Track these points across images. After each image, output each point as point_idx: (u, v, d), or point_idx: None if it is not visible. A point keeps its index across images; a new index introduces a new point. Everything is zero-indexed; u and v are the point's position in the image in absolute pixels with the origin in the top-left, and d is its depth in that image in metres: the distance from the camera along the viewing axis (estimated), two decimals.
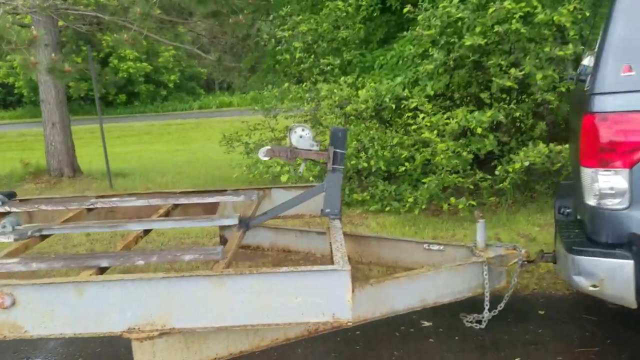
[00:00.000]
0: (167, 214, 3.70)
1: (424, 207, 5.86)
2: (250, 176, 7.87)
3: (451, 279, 3.10)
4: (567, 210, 3.31)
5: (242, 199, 3.73)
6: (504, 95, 5.83)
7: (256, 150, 7.93)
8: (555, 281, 3.97)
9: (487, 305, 3.20)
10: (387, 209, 6.21)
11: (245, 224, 3.26)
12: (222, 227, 4.24)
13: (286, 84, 7.63)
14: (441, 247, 3.49)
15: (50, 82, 9.59)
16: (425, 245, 3.54)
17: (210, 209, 3.98)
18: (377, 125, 6.68)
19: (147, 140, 19.45)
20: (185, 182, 9.37)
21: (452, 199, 5.65)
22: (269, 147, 3.28)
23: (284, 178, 6.36)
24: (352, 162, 6.22)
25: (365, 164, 6.20)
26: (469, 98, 6.37)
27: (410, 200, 5.83)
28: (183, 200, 3.79)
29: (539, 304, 3.64)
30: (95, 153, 11.16)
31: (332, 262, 2.54)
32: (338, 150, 3.22)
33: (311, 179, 6.27)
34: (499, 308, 3.28)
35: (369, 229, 5.85)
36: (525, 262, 3.29)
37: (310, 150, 3.24)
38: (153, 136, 20.45)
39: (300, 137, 3.24)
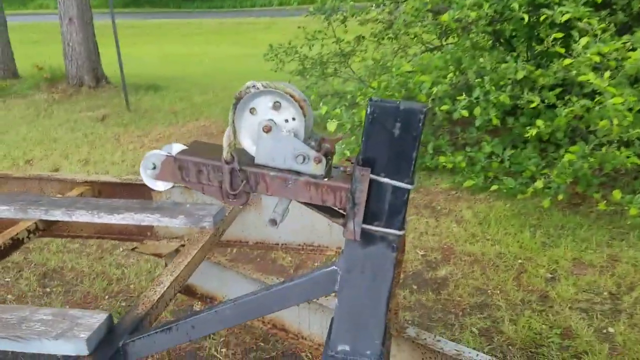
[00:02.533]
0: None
1: (560, 197, 3.44)
2: None
3: None
4: None
5: (180, 222, 1.60)
6: None
7: (304, 74, 5.68)
8: None
9: None
10: (494, 187, 3.84)
11: None
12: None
13: None
14: None
15: None
16: None
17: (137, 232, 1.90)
18: (491, 46, 4.12)
19: (214, 40, 17.39)
20: (223, 104, 7.32)
21: (617, 193, 3.18)
22: (168, 153, 1.05)
23: (331, 127, 4.04)
24: (443, 107, 3.81)
25: (466, 112, 3.75)
26: None
27: (540, 184, 3.41)
28: (57, 214, 1.70)
29: None
30: (130, 56, 9.30)
31: None
32: (387, 182, 0.94)
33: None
34: None
35: (459, 225, 3.56)
36: None
37: (300, 174, 0.98)
38: (221, 36, 18.34)
39: (268, 130, 0.97)
